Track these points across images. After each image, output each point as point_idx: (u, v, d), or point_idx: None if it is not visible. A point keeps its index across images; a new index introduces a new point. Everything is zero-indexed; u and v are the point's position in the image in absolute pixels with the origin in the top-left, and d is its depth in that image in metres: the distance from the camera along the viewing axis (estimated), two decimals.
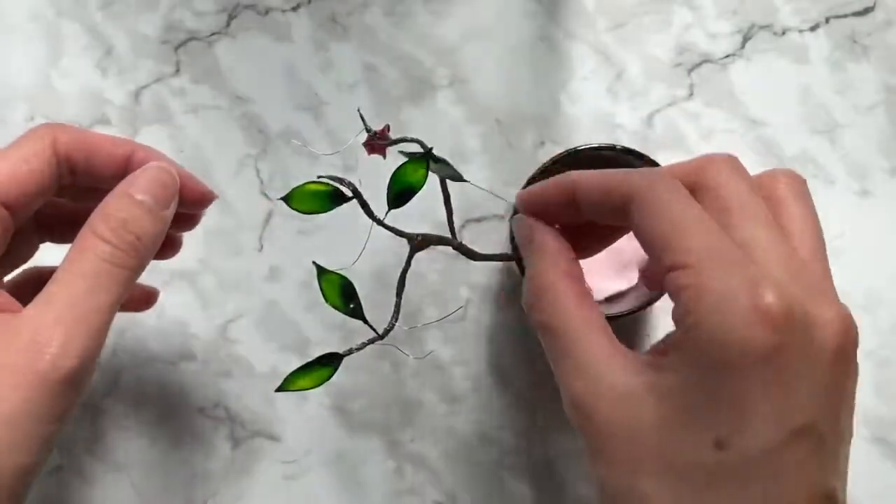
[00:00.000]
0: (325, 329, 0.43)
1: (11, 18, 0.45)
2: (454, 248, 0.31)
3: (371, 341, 0.30)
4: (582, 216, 0.29)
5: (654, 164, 0.36)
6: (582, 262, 0.34)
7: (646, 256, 0.37)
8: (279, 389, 0.29)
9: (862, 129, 0.45)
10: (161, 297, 0.40)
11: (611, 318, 0.36)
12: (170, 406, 0.42)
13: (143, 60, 0.45)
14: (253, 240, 0.43)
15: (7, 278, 0.34)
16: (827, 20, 0.45)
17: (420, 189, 0.29)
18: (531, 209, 0.31)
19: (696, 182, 0.27)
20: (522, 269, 0.32)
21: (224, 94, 0.44)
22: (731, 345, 0.23)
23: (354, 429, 0.42)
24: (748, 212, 0.26)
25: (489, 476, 0.42)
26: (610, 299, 0.39)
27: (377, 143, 0.31)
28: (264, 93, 0.45)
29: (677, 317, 0.25)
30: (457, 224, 0.39)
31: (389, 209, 0.29)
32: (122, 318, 0.41)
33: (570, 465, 0.42)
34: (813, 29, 0.45)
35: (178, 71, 0.45)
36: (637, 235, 0.27)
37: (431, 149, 0.29)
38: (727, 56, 0.45)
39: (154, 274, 0.41)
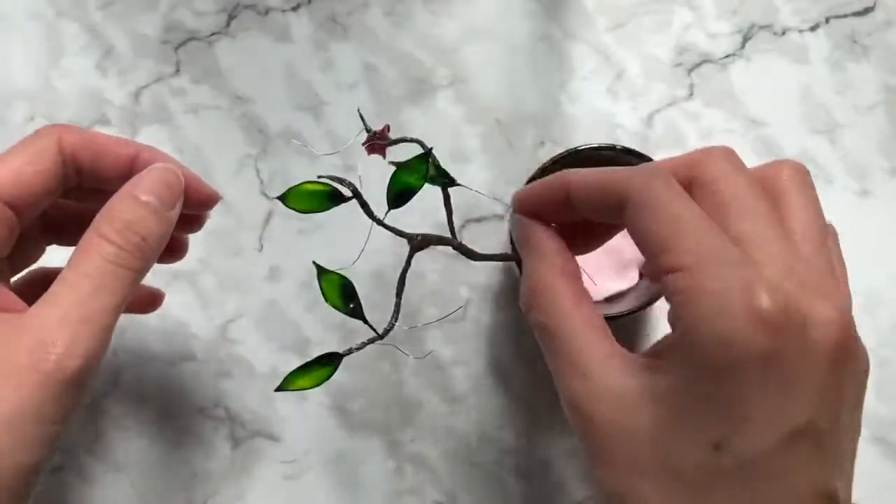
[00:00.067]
0: (325, 329, 0.43)
1: (11, 18, 0.45)
2: (454, 248, 0.31)
3: (371, 341, 0.30)
4: (577, 215, 0.29)
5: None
6: (582, 261, 0.34)
7: None
8: (279, 389, 0.29)
9: (862, 129, 0.45)
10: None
11: (611, 318, 0.37)
12: (170, 406, 0.42)
13: (143, 60, 0.45)
14: (253, 240, 0.43)
15: (13, 279, 0.34)
16: (827, 20, 0.45)
17: (420, 189, 0.29)
18: (527, 209, 0.30)
19: (693, 177, 0.27)
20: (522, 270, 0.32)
21: (224, 94, 0.44)
22: (727, 348, 0.23)
23: (354, 429, 0.42)
24: (746, 207, 0.26)
25: (489, 476, 0.42)
26: (610, 299, 0.39)
27: (377, 143, 0.31)
28: (264, 93, 0.45)
29: (673, 319, 0.25)
30: (457, 224, 0.39)
31: (389, 209, 0.29)
32: (122, 318, 0.41)
33: (570, 465, 0.42)
34: (813, 29, 0.45)
35: (178, 71, 0.45)
36: (632, 236, 0.27)
37: (431, 149, 0.29)
38: (727, 56, 0.45)
39: (154, 274, 0.40)
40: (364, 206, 0.29)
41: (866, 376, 0.26)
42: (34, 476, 0.27)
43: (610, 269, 0.39)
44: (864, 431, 0.41)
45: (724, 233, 0.25)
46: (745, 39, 0.45)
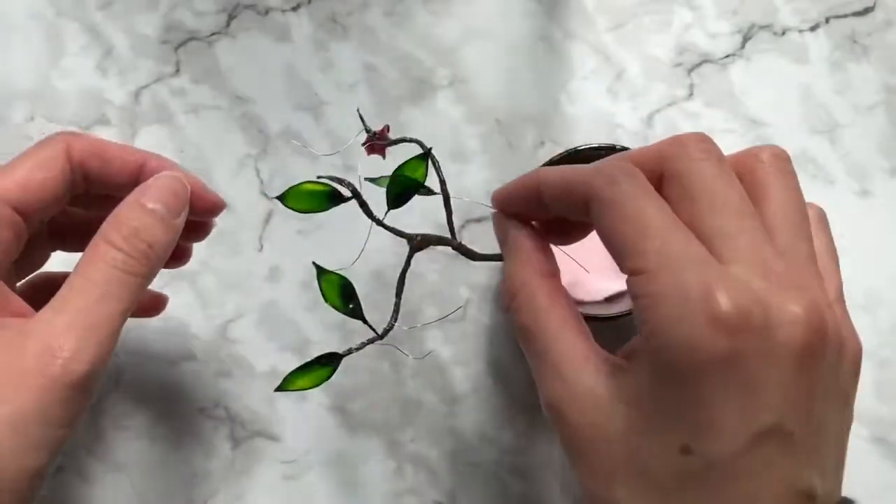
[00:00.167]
0: (325, 329, 0.43)
1: (11, 18, 0.45)
2: (454, 248, 0.31)
3: (371, 341, 0.30)
4: (552, 213, 0.28)
5: None
6: (582, 261, 0.34)
7: None
8: (278, 389, 0.29)
9: (862, 129, 0.44)
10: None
11: (610, 319, 0.37)
12: (170, 406, 0.42)
13: (143, 60, 0.45)
14: (253, 240, 0.43)
15: (17, 284, 0.34)
16: (827, 20, 0.45)
17: (420, 190, 0.29)
18: (504, 207, 0.30)
19: (663, 169, 0.26)
20: None
21: (224, 94, 0.45)
22: (688, 352, 0.23)
23: (354, 429, 0.42)
24: (716, 200, 0.25)
25: (489, 476, 0.42)
26: (610, 299, 0.39)
27: (377, 143, 0.31)
28: (264, 93, 0.45)
29: (637, 322, 0.25)
30: (456, 224, 0.39)
31: (389, 209, 0.29)
32: None
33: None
34: (813, 29, 0.45)
35: (178, 71, 0.45)
36: (599, 235, 0.26)
37: (431, 149, 0.29)
38: (727, 56, 0.45)
39: None
40: (364, 206, 0.29)
41: (852, 368, 0.26)
42: (39, 480, 0.27)
43: (610, 269, 0.39)
44: (864, 431, 0.42)
45: (689, 231, 0.24)
46: (745, 39, 0.45)
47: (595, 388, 0.25)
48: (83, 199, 0.33)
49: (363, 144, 0.31)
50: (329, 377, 0.30)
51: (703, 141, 0.26)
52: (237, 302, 0.43)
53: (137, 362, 0.42)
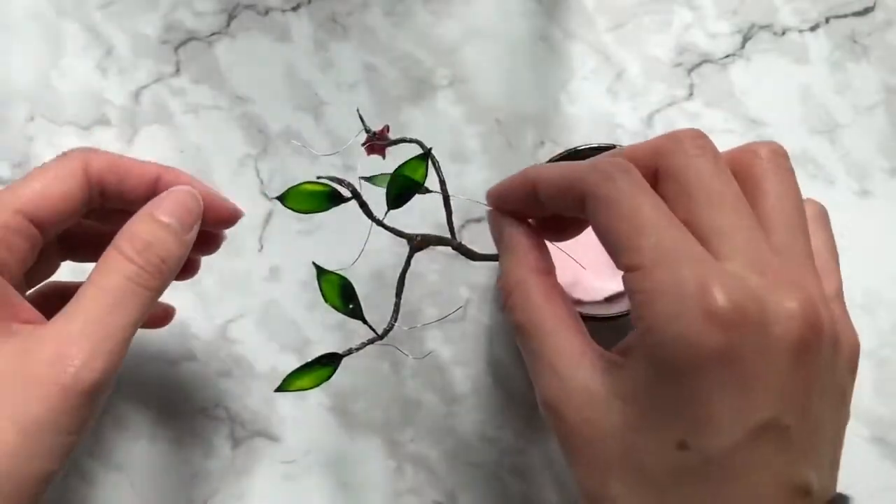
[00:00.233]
0: (325, 329, 0.43)
1: (11, 18, 0.45)
2: (454, 248, 0.31)
3: (370, 341, 0.30)
4: (548, 211, 0.28)
5: None
6: (582, 262, 0.34)
7: None
8: (278, 389, 0.29)
9: (862, 129, 0.44)
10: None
11: (610, 318, 0.37)
12: (170, 406, 0.42)
13: (143, 60, 0.45)
14: (253, 240, 0.43)
15: (27, 292, 0.35)
16: (827, 20, 0.45)
17: (419, 189, 0.29)
18: (500, 205, 0.30)
19: (658, 166, 0.26)
20: None
21: (224, 94, 0.45)
22: (684, 348, 0.23)
23: (354, 429, 0.42)
24: (712, 197, 0.25)
25: (489, 476, 0.42)
26: (609, 299, 0.39)
27: (377, 143, 0.31)
28: (264, 93, 0.45)
29: (633, 319, 0.25)
30: (456, 224, 0.39)
31: (389, 209, 0.29)
32: None
33: None
34: (813, 29, 0.45)
35: (178, 71, 0.45)
36: (594, 232, 0.26)
37: (431, 149, 0.29)
38: (727, 56, 0.45)
39: None
40: (363, 206, 0.29)
41: (849, 364, 0.26)
42: (46, 485, 0.28)
43: (609, 268, 0.39)
44: (864, 431, 0.42)
45: (685, 227, 0.25)
46: (745, 39, 0.45)
47: (591, 385, 0.25)
48: (97, 212, 0.33)
49: (363, 144, 0.31)
50: (329, 377, 0.30)
51: (699, 137, 0.26)
52: (237, 302, 0.43)
53: (137, 362, 0.42)
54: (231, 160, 0.44)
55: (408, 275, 0.30)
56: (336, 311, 0.30)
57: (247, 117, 0.44)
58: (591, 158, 0.27)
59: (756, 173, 0.26)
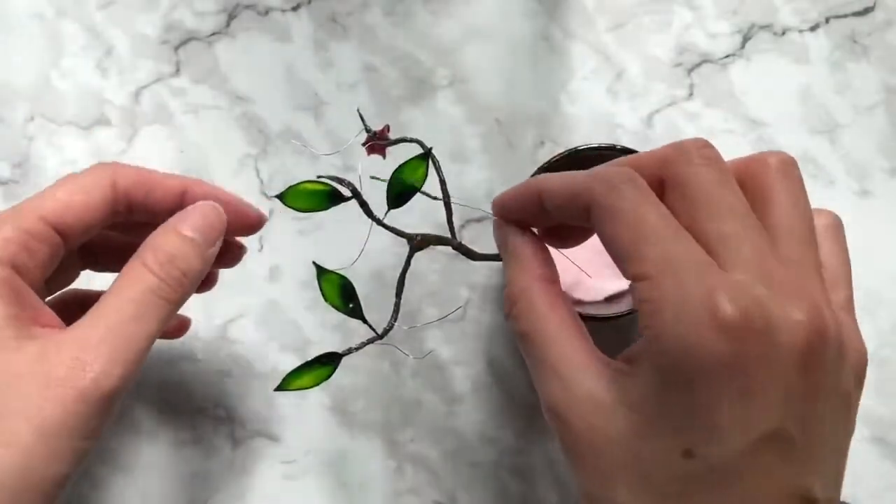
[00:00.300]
0: (325, 329, 0.43)
1: (11, 18, 0.45)
2: (454, 248, 0.31)
3: (370, 341, 0.30)
4: (553, 220, 0.29)
5: None
6: (581, 261, 0.34)
7: None
8: (278, 389, 0.29)
9: (862, 129, 0.44)
10: None
11: (610, 318, 0.37)
12: (170, 406, 0.42)
13: (143, 60, 0.45)
14: (253, 240, 0.43)
15: (47, 299, 0.35)
16: (827, 20, 0.45)
17: (420, 189, 0.29)
18: (505, 214, 0.30)
19: (664, 175, 0.26)
20: None
21: (224, 94, 0.45)
22: (690, 357, 0.23)
23: (354, 429, 0.42)
24: (720, 207, 0.25)
25: (489, 476, 0.42)
26: (610, 299, 0.39)
27: (377, 143, 0.31)
28: (264, 93, 0.45)
29: (641, 327, 0.25)
30: (457, 224, 0.39)
31: (389, 209, 0.29)
32: None
33: None
34: (813, 29, 0.45)
35: (178, 71, 0.45)
36: (601, 241, 0.26)
37: (431, 149, 0.29)
38: (727, 56, 0.45)
39: None
40: (364, 205, 0.29)
41: (855, 373, 0.25)
42: (60, 489, 0.28)
43: (610, 269, 0.39)
44: (864, 431, 0.42)
45: (691, 237, 0.25)
46: (745, 39, 0.45)
47: (596, 392, 0.25)
48: (121, 223, 0.33)
49: (363, 144, 0.31)
50: (329, 377, 0.30)
51: (705, 147, 0.26)
52: (237, 302, 0.43)
53: None
54: (231, 160, 0.44)
55: (408, 275, 0.30)
56: (336, 311, 0.30)
57: (247, 117, 0.44)
58: (597, 167, 0.27)
59: (765, 183, 0.26)
